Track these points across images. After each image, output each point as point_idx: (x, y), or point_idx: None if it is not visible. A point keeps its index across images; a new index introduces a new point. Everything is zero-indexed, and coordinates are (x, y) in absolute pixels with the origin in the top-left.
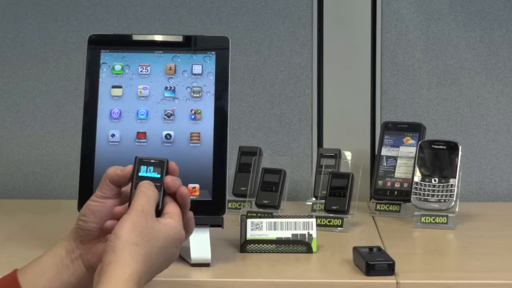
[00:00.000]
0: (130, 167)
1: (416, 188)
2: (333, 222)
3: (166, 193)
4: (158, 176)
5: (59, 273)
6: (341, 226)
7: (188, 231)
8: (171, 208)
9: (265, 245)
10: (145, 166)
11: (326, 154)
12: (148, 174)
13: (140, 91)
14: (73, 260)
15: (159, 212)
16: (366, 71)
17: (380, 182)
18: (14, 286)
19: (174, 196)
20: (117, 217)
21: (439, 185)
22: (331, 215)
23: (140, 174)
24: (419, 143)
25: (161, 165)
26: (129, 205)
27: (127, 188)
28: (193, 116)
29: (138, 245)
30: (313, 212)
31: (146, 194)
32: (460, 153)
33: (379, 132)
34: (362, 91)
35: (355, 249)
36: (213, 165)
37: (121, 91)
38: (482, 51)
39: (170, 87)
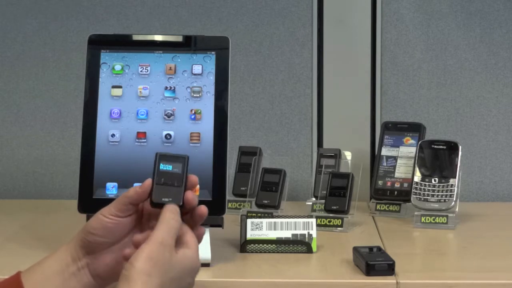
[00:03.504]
0: (149, 181)
1: (416, 188)
2: (333, 222)
3: (184, 213)
4: (179, 172)
5: (65, 281)
6: (341, 226)
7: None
8: (189, 237)
9: (265, 245)
10: (166, 162)
11: (326, 154)
12: (169, 169)
13: (140, 91)
14: (80, 268)
15: (182, 210)
16: (366, 71)
17: (380, 182)
18: None
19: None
20: (136, 246)
21: (439, 185)
22: (331, 215)
23: (161, 168)
24: (419, 143)
25: (182, 161)
26: (149, 196)
27: (140, 206)
28: (193, 116)
29: (151, 275)
30: (313, 212)
31: (168, 223)
32: (460, 153)
33: (379, 132)
34: (362, 91)
35: (355, 249)
36: (213, 165)
37: (121, 91)
38: (482, 51)
39: (170, 87)
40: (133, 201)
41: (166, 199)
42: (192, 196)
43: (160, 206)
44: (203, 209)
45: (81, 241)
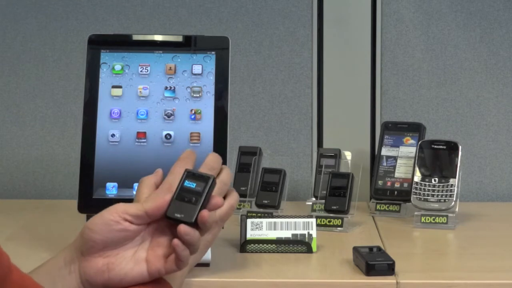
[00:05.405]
0: (168, 196)
1: (416, 188)
2: (333, 222)
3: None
4: (200, 191)
5: (54, 284)
6: (341, 226)
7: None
8: None
9: (265, 245)
10: (191, 180)
11: (326, 154)
12: (192, 186)
13: (140, 91)
14: (71, 272)
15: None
16: (366, 71)
17: (380, 182)
18: None
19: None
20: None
21: (439, 185)
22: (331, 215)
23: (185, 185)
24: (419, 143)
25: (206, 180)
26: (164, 213)
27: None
28: (193, 116)
29: None
30: (313, 212)
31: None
32: (460, 153)
33: (379, 132)
34: (362, 91)
35: (355, 249)
36: None
37: (121, 91)
38: (482, 51)
39: (170, 87)
40: (151, 213)
41: (179, 215)
42: (207, 214)
43: (172, 220)
44: (218, 200)
45: (78, 241)
